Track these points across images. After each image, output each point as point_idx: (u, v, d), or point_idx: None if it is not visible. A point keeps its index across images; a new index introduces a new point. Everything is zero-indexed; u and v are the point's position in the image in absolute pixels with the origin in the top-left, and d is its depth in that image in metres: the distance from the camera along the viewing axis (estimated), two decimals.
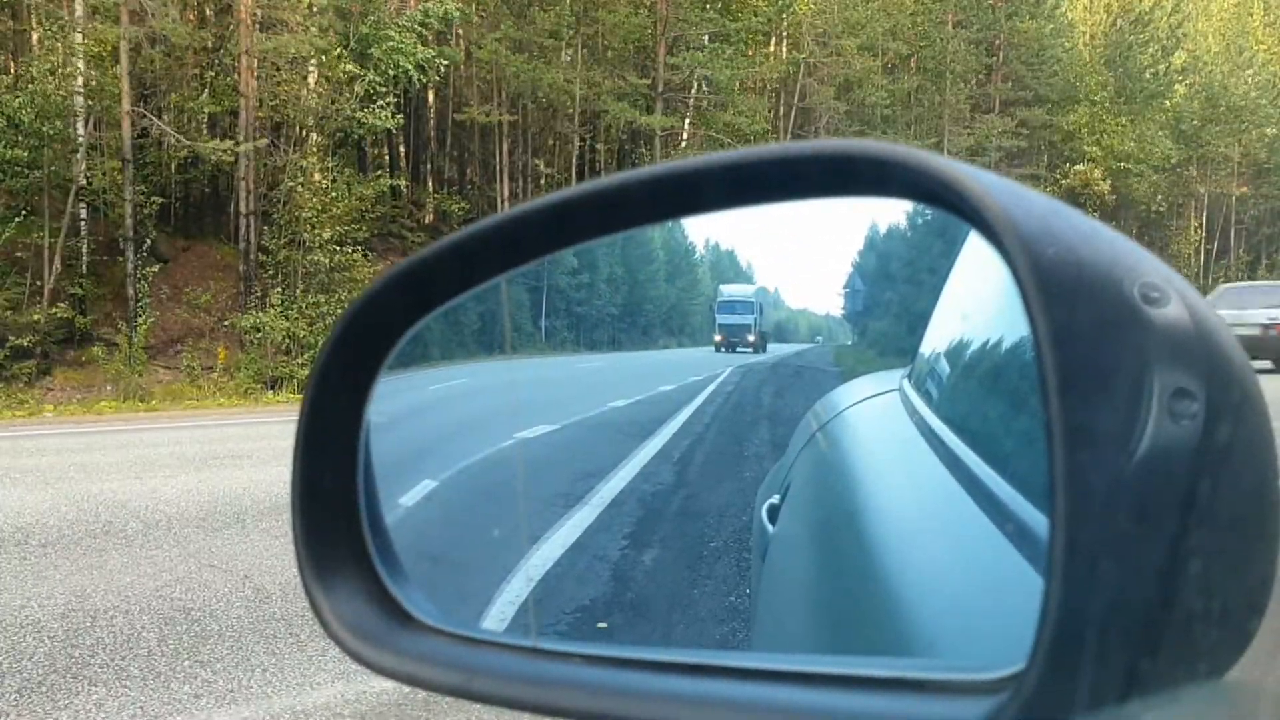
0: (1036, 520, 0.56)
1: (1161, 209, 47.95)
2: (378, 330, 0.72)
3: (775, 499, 1.22)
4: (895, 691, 0.50)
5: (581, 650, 0.63)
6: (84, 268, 21.89)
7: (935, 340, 1.03)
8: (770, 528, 1.19)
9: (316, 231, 22.39)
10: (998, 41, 41.80)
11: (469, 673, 0.63)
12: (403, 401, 0.90)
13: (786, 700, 0.51)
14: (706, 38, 32.12)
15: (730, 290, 1.28)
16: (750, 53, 34.79)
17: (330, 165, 23.79)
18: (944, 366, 0.99)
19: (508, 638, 0.71)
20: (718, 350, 1.46)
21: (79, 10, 21.17)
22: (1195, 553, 0.43)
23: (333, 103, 23.86)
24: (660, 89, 31.28)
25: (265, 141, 23.12)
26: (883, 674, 0.51)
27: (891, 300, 1.03)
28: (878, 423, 1.19)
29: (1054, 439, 0.43)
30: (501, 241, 0.70)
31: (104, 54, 21.45)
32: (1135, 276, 0.47)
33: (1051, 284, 0.45)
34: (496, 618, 0.94)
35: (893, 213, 0.76)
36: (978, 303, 0.79)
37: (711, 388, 1.49)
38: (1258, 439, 0.46)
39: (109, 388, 19.67)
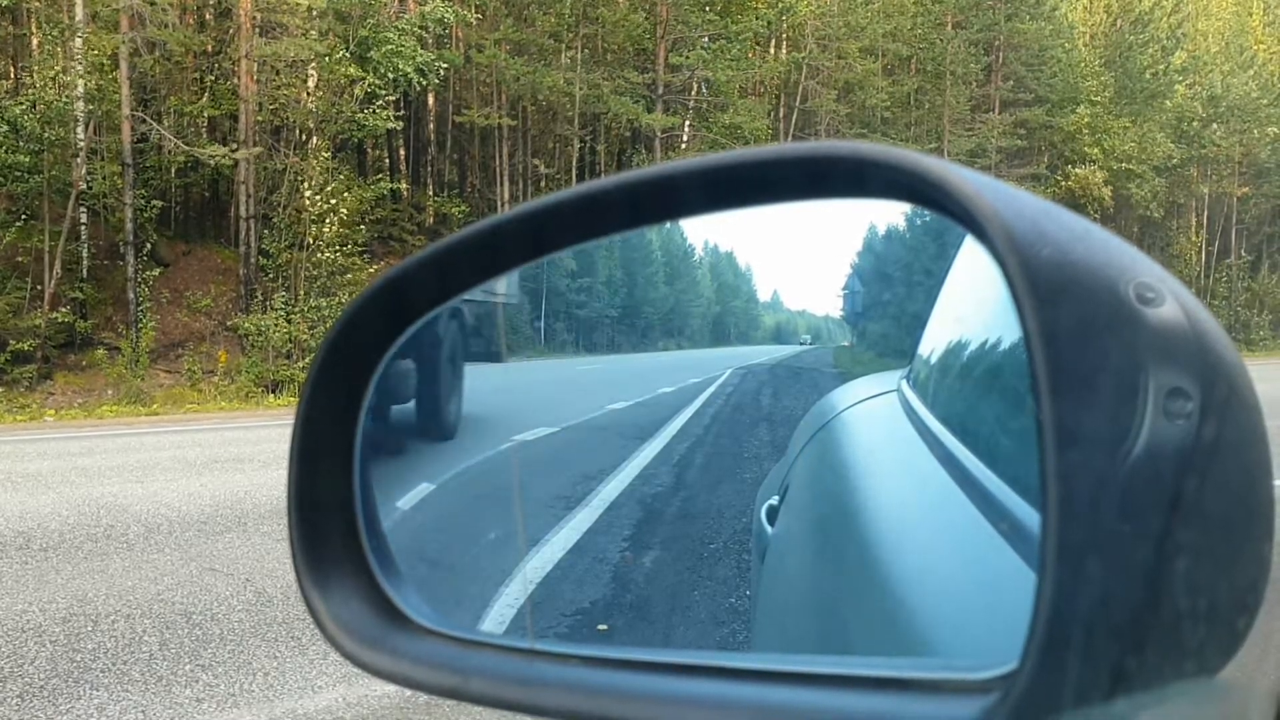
0: (1033, 520, 0.56)
1: (1158, 214, 47.86)
2: (373, 333, 0.72)
3: (774, 500, 1.22)
4: (890, 691, 0.49)
5: (578, 651, 0.63)
6: (84, 272, 21.91)
7: (933, 341, 1.03)
8: (769, 529, 1.19)
9: (326, 229, 22.36)
10: (997, 43, 41.78)
11: (464, 674, 0.63)
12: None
13: (781, 700, 0.51)
14: (706, 39, 32.12)
15: None
16: (751, 54, 34.80)
17: (331, 166, 23.79)
18: (942, 367, 0.99)
19: (504, 639, 0.71)
20: None
21: (79, 15, 21.18)
22: (1184, 551, 0.43)
23: (332, 105, 23.88)
24: (660, 90, 31.29)
25: (260, 150, 23.11)
26: (878, 674, 0.51)
27: (890, 302, 1.03)
28: (876, 423, 1.19)
29: (1047, 438, 0.43)
30: (492, 246, 0.70)
31: (104, 60, 21.46)
32: (1129, 276, 0.47)
33: (1043, 285, 0.45)
34: (495, 620, 0.94)
35: (891, 214, 0.76)
36: (975, 303, 0.79)
37: (711, 390, 1.48)
38: (1251, 439, 0.46)
39: (110, 392, 19.68)
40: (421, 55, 25.11)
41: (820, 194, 0.59)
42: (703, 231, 0.95)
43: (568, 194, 0.65)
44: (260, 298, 22.65)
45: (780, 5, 33.88)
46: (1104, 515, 0.42)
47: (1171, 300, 0.47)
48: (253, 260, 23.34)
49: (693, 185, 0.61)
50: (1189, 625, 0.44)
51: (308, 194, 22.64)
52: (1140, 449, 0.43)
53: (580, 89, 29.90)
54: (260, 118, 23.72)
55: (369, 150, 29.59)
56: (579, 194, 0.65)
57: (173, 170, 25.31)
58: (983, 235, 0.48)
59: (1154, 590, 0.43)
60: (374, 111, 23.90)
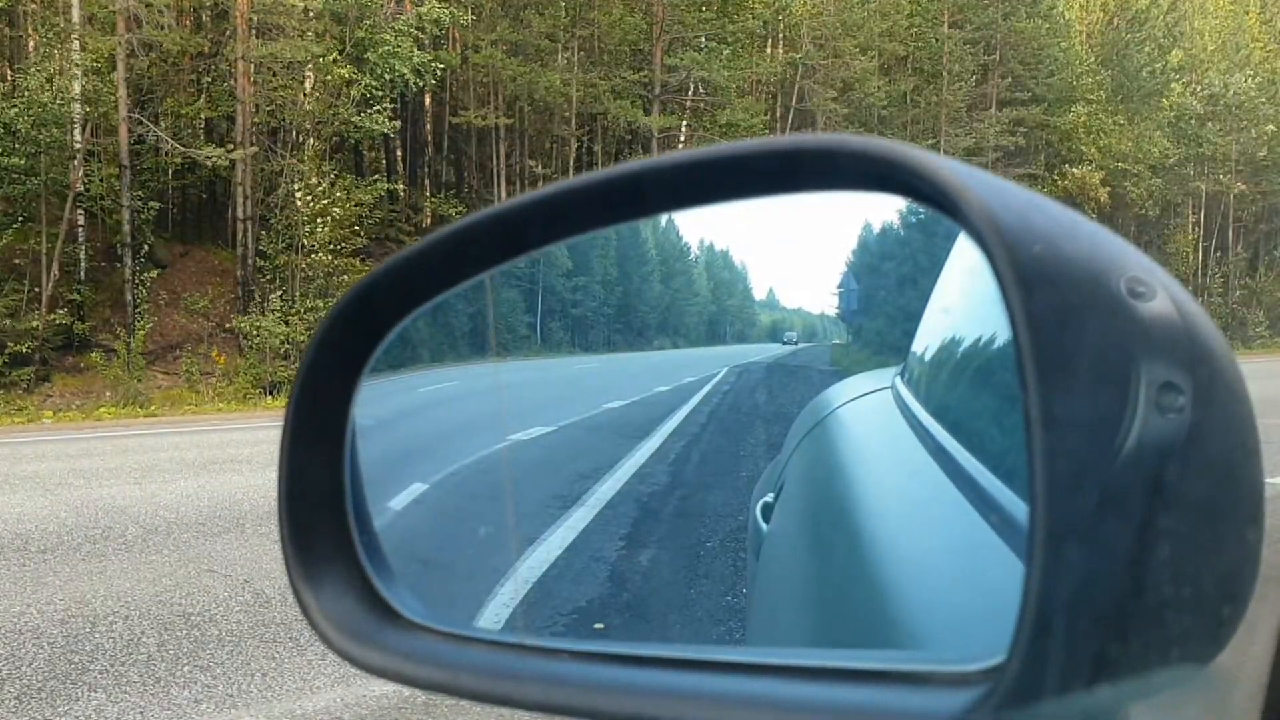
0: (1024, 514, 0.56)
1: (1154, 213, 47.90)
2: (362, 333, 0.72)
3: (769, 497, 1.22)
4: (881, 684, 0.49)
5: (569, 646, 0.63)
6: (82, 274, 21.91)
7: (926, 338, 1.03)
8: (764, 526, 1.19)
9: (318, 231, 22.38)
10: (994, 41, 41.78)
11: (456, 670, 0.63)
12: (391, 404, 0.90)
13: (771, 693, 0.51)
14: (703, 39, 32.14)
15: None
16: (749, 54, 34.83)
17: (327, 169, 23.79)
18: (935, 363, 0.99)
19: (495, 635, 0.71)
20: None
21: (75, 16, 21.17)
22: (1167, 538, 0.43)
23: (329, 107, 23.87)
24: (657, 90, 31.31)
25: (255, 150, 23.09)
26: (870, 666, 0.51)
27: (885, 298, 1.03)
28: (870, 420, 1.19)
29: (1034, 428, 0.43)
30: (482, 242, 0.70)
31: (100, 62, 21.46)
32: (1120, 271, 0.47)
33: (1031, 278, 0.45)
34: (490, 618, 0.94)
35: (885, 211, 0.75)
36: (968, 299, 0.79)
37: (707, 388, 1.48)
38: (1239, 429, 0.46)
39: (108, 393, 19.67)
40: (418, 56, 25.11)
41: (810, 187, 0.59)
42: (698, 229, 0.95)
43: (545, 193, 0.65)
44: (258, 299, 22.64)
45: (776, 4, 33.91)
46: (1088, 502, 0.42)
47: (1163, 294, 0.47)
48: (250, 262, 23.33)
49: (680, 180, 0.61)
50: (1172, 613, 0.44)
51: (299, 194, 22.63)
52: (1132, 442, 0.43)
53: (577, 89, 29.91)
54: (257, 119, 23.72)
55: (366, 152, 29.57)
56: (554, 192, 0.65)
57: (170, 172, 25.32)
58: (971, 229, 0.48)
59: (1137, 577, 0.43)
60: (371, 115, 23.89)
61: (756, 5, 34.21)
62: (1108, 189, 42.98)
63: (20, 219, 20.68)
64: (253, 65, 23.34)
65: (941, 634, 0.64)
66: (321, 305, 22.10)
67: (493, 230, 0.68)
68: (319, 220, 22.57)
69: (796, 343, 1.13)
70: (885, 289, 0.99)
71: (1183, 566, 0.44)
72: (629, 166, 0.62)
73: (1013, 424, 0.65)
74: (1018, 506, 0.59)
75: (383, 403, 0.82)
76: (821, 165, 0.55)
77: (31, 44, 24.25)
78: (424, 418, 1.16)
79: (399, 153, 31.62)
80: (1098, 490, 0.42)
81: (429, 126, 32.25)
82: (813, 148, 0.55)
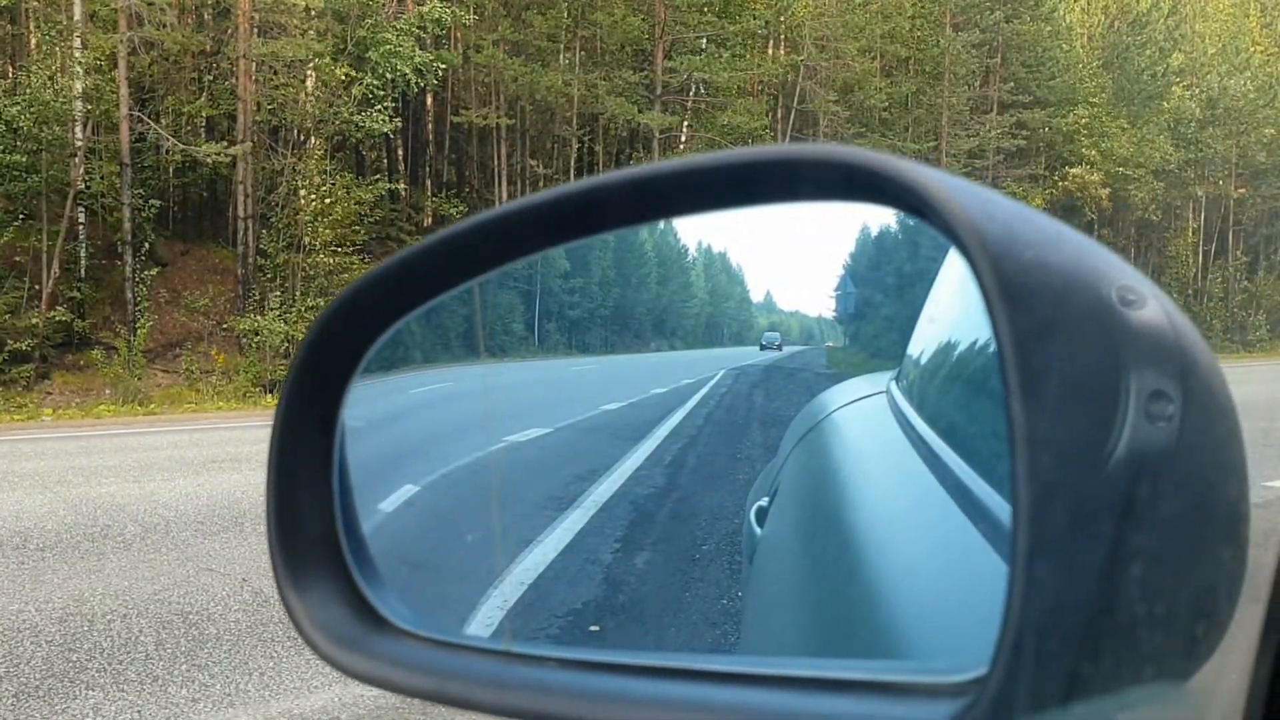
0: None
1: (1156, 216, 47.89)
2: (352, 334, 0.72)
3: (764, 501, 1.22)
4: (866, 694, 0.49)
5: (554, 654, 0.63)
6: (82, 272, 21.91)
7: (921, 343, 1.03)
8: (758, 530, 1.19)
9: (319, 232, 22.39)
10: (997, 43, 41.75)
11: (441, 676, 0.63)
12: (382, 405, 0.90)
13: (757, 703, 0.51)
14: (704, 41, 32.15)
15: None
16: (750, 55, 34.82)
17: (329, 169, 23.79)
18: (929, 369, 0.99)
19: (481, 642, 0.71)
20: None
21: (77, 14, 21.18)
22: (1140, 555, 0.43)
23: (330, 106, 23.87)
24: (658, 90, 31.30)
25: (254, 146, 23.07)
26: (855, 676, 0.51)
27: (882, 303, 1.03)
28: (864, 425, 1.19)
29: (1021, 443, 0.43)
30: (470, 250, 0.70)
31: (101, 59, 21.47)
32: (1111, 280, 0.47)
33: (1014, 293, 0.45)
34: (481, 623, 0.94)
35: (884, 216, 0.75)
36: (961, 306, 0.79)
37: (704, 390, 1.48)
38: (1227, 442, 0.46)
39: (107, 391, 19.67)
40: (419, 55, 25.10)
41: (798, 198, 0.59)
42: (695, 232, 0.95)
43: (530, 201, 0.65)
44: (258, 298, 22.63)
45: (778, 5, 33.91)
46: (1077, 518, 0.42)
47: (1154, 303, 0.47)
48: (250, 260, 23.32)
49: (666, 191, 0.61)
50: (1145, 631, 0.43)
51: (302, 193, 22.63)
52: (1122, 451, 0.43)
53: (578, 89, 29.90)
54: (258, 118, 23.71)
55: (366, 151, 29.57)
56: (545, 200, 0.65)
57: (171, 170, 25.31)
58: (956, 240, 0.48)
59: (1109, 594, 0.43)
60: (372, 114, 23.88)
61: (758, 6, 34.22)
62: (1108, 190, 42.97)
63: (21, 216, 20.67)
64: (254, 64, 23.34)
65: (933, 641, 0.64)
66: (322, 304, 22.06)
67: (481, 237, 0.68)
68: (321, 219, 22.57)
69: (779, 346, 1.13)
70: (882, 293, 0.99)
71: (1155, 584, 0.44)
72: (610, 177, 0.61)
73: (1003, 432, 0.65)
74: (1009, 515, 0.59)
75: (374, 404, 0.81)
76: (809, 177, 0.55)
77: (33, 41, 24.25)
78: (416, 419, 1.16)
79: (400, 152, 31.61)
80: (1085, 503, 0.42)
81: (430, 126, 32.24)
82: (800, 159, 0.55)
